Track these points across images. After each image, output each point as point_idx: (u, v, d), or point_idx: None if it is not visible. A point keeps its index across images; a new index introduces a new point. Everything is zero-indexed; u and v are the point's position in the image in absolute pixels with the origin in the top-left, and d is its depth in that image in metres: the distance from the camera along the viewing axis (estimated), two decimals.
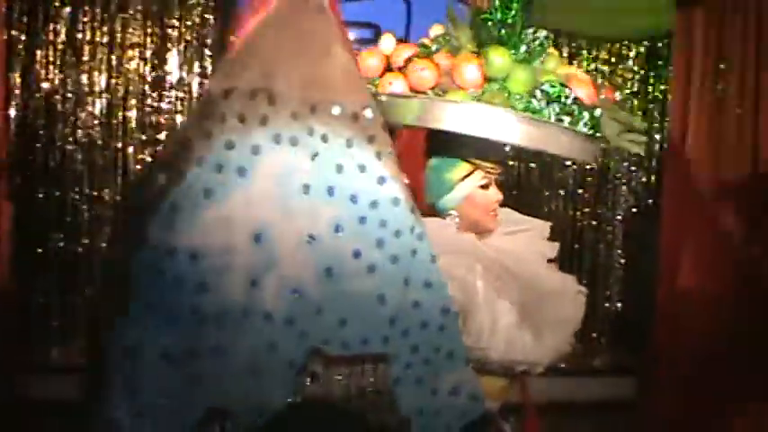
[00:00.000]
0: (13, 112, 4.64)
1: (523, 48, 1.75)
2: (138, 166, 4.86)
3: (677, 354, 4.47)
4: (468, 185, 1.88)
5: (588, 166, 5.21)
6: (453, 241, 1.83)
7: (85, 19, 4.77)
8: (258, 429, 1.52)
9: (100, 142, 4.82)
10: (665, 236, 4.74)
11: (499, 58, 1.70)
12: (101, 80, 4.81)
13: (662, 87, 5.22)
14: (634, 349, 5.01)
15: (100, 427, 1.50)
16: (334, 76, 1.55)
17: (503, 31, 1.74)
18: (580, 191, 5.29)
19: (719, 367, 4.08)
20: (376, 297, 1.58)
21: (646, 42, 5.19)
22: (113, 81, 4.83)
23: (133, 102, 4.86)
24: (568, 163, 5.18)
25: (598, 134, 1.77)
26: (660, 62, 5.23)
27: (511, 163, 4.91)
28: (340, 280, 1.55)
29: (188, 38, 4.90)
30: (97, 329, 1.58)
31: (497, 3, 1.72)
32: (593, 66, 4.93)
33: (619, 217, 5.35)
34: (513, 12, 1.73)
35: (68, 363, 4.67)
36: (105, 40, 4.81)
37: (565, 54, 4.82)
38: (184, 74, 4.92)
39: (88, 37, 4.78)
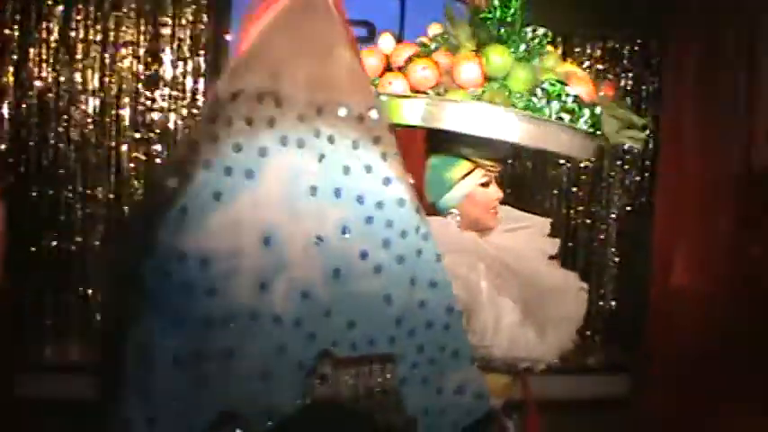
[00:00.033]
0: (5, 111, 4.65)
1: (522, 46, 1.75)
2: (132, 165, 4.85)
3: (671, 352, 4.48)
4: (468, 184, 1.89)
5: (582, 165, 5.21)
6: (456, 240, 1.83)
7: (79, 17, 4.75)
8: None
9: (93, 140, 4.81)
10: (659, 234, 4.75)
11: (499, 57, 1.70)
12: (94, 78, 4.80)
13: (655, 85, 5.22)
14: (628, 347, 5.02)
15: (115, 428, 1.50)
16: (339, 76, 1.55)
17: (502, 30, 1.74)
18: (574, 189, 5.30)
19: (713, 365, 4.09)
20: (383, 297, 1.58)
21: (639, 40, 5.20)
22: (106, 79, 4.82)
23: (126, 100, 4.85)
24: (562, 161, 5.19)
25: (598, 131, 1.78)
26: (653, 60, 5.24)
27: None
28: (347, 281, 1.55)
29: (181, 36, 4.89)
30: (110, 334, 1.58)
31: (496, 1, 1.72)
32: (587, 64, 4.94)
33: (613, 215, 5.36)
34: (513, 10, 1.73)
35: (62, 361, 4.66)
36: (98, 38, 4.80)
37: (558, 53, 4.82)
38: (178, 72, 4.91)
39: (81, 35, 4.77)
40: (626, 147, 5.15)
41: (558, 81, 1.73)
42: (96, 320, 4.85)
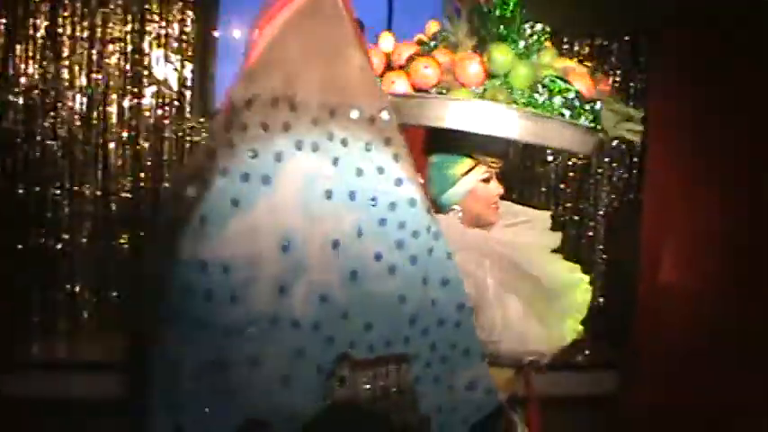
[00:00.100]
0: None
1: (522, 43, 1.76)
2: (119, 162, 4.85)
3: (658, 348, 4.48)
4: (470, 180, 1.89)
5: (570, 162, 5.22)
6: (461, 238, 1.84)
7: (65, 14, 4.75)
8: None
9: (80, 137, 4.81)
10: (646, 231, 4.76)
11: (501, 54, 1.70)
12: (81, 75, 4.80)
13: (642, 83, 5.23)
14: (616, 344, 5.03)
15: None
16: (351, 78, 1.55)
17: (501, 27, 1.74)
18: (562, 186, 5.31)
19: (700, 362, 4.09)
20: (397, 298, 1.58)
21: (627, 38, 5.21)
22: (94, 76, 4.81)
23: (113, 97, 4.85)
24: (550, 158, 5.20)
25: (598, 126, 1.78)
26: (642, 58, 5.25)
27: None
28: (363, 283, 1.55)
29: (168, 33, 4.89)
30: (136, 344, 1.59)
31: None
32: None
33: (600, 212, 5.37)
34: (511, 7, 1.74)
35: (49, 359, 4.65)
36: (85, 35, 4.79)
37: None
38: (165, 69, 4.91)
39: (68, 32, 4.76)
40: (614, 144, 5.19)
41: (559, 77, 1.74)
42: (83, 318, 4.85)
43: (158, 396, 1.46)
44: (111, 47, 4.83)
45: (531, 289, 1.84)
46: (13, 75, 4.69)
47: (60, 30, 4.74)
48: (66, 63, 4.77)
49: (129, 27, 4.85)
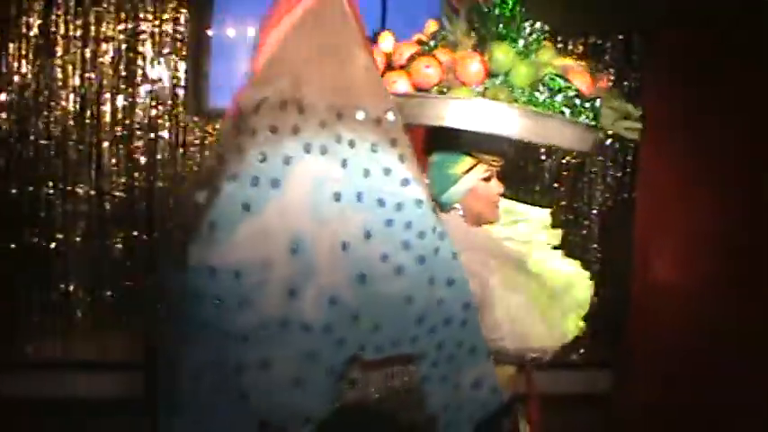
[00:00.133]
0: None
1: (521, 42, 1.76)
2: (113, 161, 4.83)
3: (653, 347, 4.49)
4: (471, 179, 1.89)
5: (564, 161, 5.23)
6: (465, 237, 1.84)
7: (59, 12, 4.73)
8: None
9: (74, 137, 4.80)
10: (640, 230, 4.76)
11: (503, 53, 1.71)
12: (75, 74, 4.78)
13: (636, 81, 5.23)
14: (610, 343, 5.03)
15: None
16: (357, 80, 1.55)
17: (501, 26, 1.74)
18: (555, 185, 5.31)
19: (695, 361, 4.10)
20: (404, 298, 1.59)
21: (621, 36, 5.22)
22: (87, 75, 4.80)
23: (107, 96, 4.83)
24: (543, 157, 5.21)
25: (597, 124, 1.79)
26: (635, 56, 5.25)
27: None
28: (372, 284, 1.56)
29: (162, 32, 4.87)
30: (153, 353, 1.59)
31: None
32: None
33: (594, 211, 5.37)
34: (511, 5, 1.74)
35: (43, 359, 4.65)
36: (79, 33, 4.77)
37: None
38: (158, 68, 4.89)
39: (61, 30, 4.74)
40: (607, 143, 5.19)
41: (559, 75, 1.74)
42: (77, 317, 4.84)
43: (172, 401, 1.48)
44: (104, 46, 4.81)
45: (534, 287, 1.84)
46: (5, 74, 4.67)
47: (53, 28, 4.72)
48: (60, 62, 4.75)
49: (122, 26, 4.82)
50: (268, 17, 1.56)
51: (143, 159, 4.92)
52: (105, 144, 4.84)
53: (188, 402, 1.48)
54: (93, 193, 4.85)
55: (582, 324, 1.94)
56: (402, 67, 1.79)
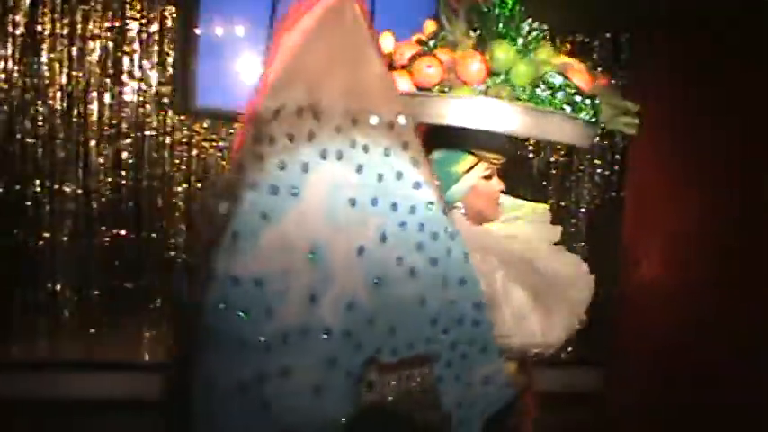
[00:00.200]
0: None
1: (520, 41, 1.77)
2: (100, 160, 4.83)
3: (642, 345, 4.51)
4: (472, 177, 1.90)
5: (552, 159, 5.23)
6: (467, 235, 1.84)
7: (45, 10, 4.71)
8: None
9: (61, 136, 4.79)
10: (628, 228, 4.77)
11: (503, 52, 1.71)
12: (61, 73, 4.76)
13: (624, 80, 5.23)
14: (599, 341, 5.04)
15: None
16: (370, 84, 1.55)
17: (500, 25, 1.75)
18: (544, 183, 5.32)
19: (684, 359, 4.12)
20: (418, 300, 1.60)
21: (608, 35, 5.23)
22: (74, 74, 4.78)
23: (94, 95, 4.82)
24: (531, 155, 5.22)
25: (596, 120, 1.80)
26: (623, 55, 5.26)
27: None
28: (387, 287, 1.56)
29: (149, 30, 4.86)
30: (177, 366, 1.59)
31: None
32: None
33: (582, 210, 5.38)
34: (510, 5, 1.75)
35: (30, 359, 4.63)
36: (66, 32, 4.76)
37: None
38: (146, 67, 4.89)
39: (48, 29, 4.73)
40: (596, 141, 5.19)
41: (559, 73, 1.75)
42: (65, 316, 4.83)
43: (198, 415, 1.48)
44: (91, 44, 4.80)
45: (537, 282, 1.85)
46: None
47: (40, 27, 4.70)
48: (46, 60, 4.73)
49: (109, 24, 4.81)
50: (279, 26, 1.56)
51: (130, 158, 4.90)
52: (92, 143, 4.83)
53: (207, 412, 1.48)
54: (80, 192, 4.84)
55: (584, 318, 1.95)
56: (403, 67, 1.79)
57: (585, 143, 1.83)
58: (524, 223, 2.04)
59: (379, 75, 1.56)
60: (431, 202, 1.60)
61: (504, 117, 1.69)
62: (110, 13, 4.81)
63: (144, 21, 4.86)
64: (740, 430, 3.74)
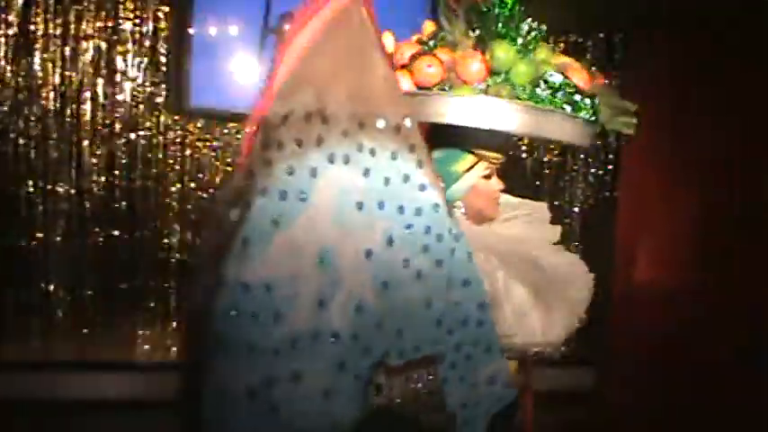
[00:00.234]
0: None
1: (519, 40, 1.77)
2: (93, 160, 4.82)
3: (634, 345, 4.52)
4: (472, 176, 1.91)
5: (545, 159, 5.24)
6: (468, 235, 1.85)
7: (38, 10, 4.70)
8: None
9: (54, 136, 4.77)
10: (622, 228, 4.78)
11: (504, 52, 1.72)
12: (54, 73, 4.75)
13: (617, 80, 5.24)
14: (592, 340, 5.05)
15: None
16: (377, 87, 1.56)
17: (500, 25, 1.76)
18: (537, 183, 5.33)
19: (676, 358, 4.13)
20: (423, 302, 1.60)
21: (602, 35, 5.24)
22: (67, 74, 4.77)
23: (87, 95, 4.81)
24: (524, 155, 5.22)
25: (596, 119, 1.81)
26: (616, 55, 5.27)
27: None
28: (394, 290, 1.56)
29: (142, 30, 4.86)
30: (188, 372, 1.59)
31: None
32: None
33: (576, 209, 5.39)
34: (510, 5, 1.75)
35: (22, 359, 4.63)
36: (59, 32, 4.75)
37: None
38: (139, 66, 4.88)
39: (41, 29, 4.71)
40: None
41: (559, 72, 1.76)
42: (58, 317, 4.82)
43: (209, 422, 1.48)
44: (84, 44, 4.79)
45: (538, 281, 1.86)
46: None
47: (33, 27, 4.69)
48: (39, 60, 4.72)
49: (102, 24, 4.80)
50: (286, 31, 1.56)
51: (124, 158, 4.90)
52: (86, 143, 4.82)
53: (218, 419, 1.48)
54: (73, 192, 4.82)
55: (584, 317, 1.96)
56: (404, 67, 1.80)
57: (585, 142, 1.84)
58: (524, 222, 2.05)
59: (385, 77, 1.56)
60: (436, 204, 1.60)
61: (504, 115, 1.70)
62: (103, 13, 4.80)
63: (137, 20, 4.85)
64: (737, 431, 3.75)
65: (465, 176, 1.90)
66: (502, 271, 1.80)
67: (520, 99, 1.71)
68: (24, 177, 4.74)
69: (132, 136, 4.90)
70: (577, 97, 1.75)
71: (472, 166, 1.90)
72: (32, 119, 4.73)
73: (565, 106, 1.73)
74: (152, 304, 4.97)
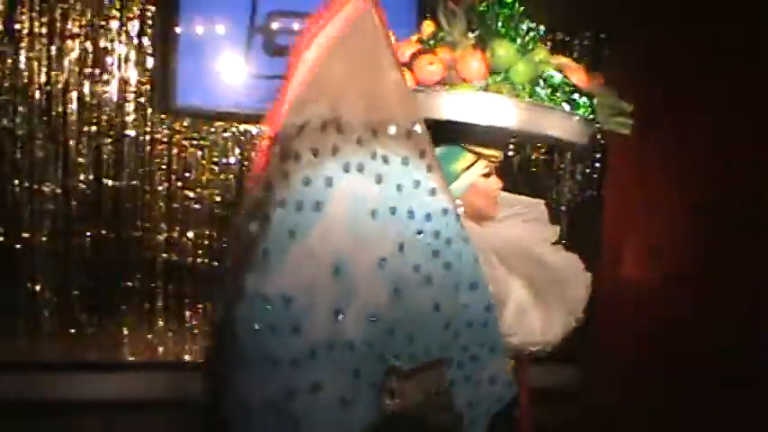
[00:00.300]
0: None
1: (518, 40, 1.79)
2: (80, 159, 4.79)
3: (620, 343, 4.54)
4: (471, 175, 1.93)
5: (532, 157, 5.25)
6: (470, 235, 1.86)
7: (23, 9, 4.67)
8: None
9: (40, 134, 4.74)
10: (608, 227, 4.80)
11: (504, 50, 1.74)
12: (40, 71, 4.72)
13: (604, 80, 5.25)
14: (577, 338, 5.06)
15: None
16: (389, 93, 1.57)
17: (500, 25, 1.77)
18: (524, 181, 5.34)
19: (661, 357, 4.15)
20: (432, 306, 1.61)
21: (588, 34, 5.25)
22: (53, 72, 4.74)
23: (73, 93, 4.78)
24: (511, 153, 5.23)
25: (595, 117, 1.83)
26: (602, 54, 5.28)
27: None
28: (406, 296, 1.57)
29: (129, 29, 4.84)
30: (211, 386, 1.61)
31: None
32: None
33: (562, 208, 5.41)
34: (510, 4, 1.77)
35: (8, 360, 4.61)
36: (44, 30, 4.72)
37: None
38: (125, 65, 4.86)
39: (26, 27, 4.69)
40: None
41: (558, 72, 1.78)
42: (45, 317, 4.80)
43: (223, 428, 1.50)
44: (70, 42, 4.76)
45: (537, 280, 1.87)
46: None
47: (18, 26, 4.66)
48: (25, 59, 4.69)
49: (88, 23, 4.78)
50: (299, 41, 1.56)
51: (110, 157, 4.88)
52: (72, 142, 4.79)
53: (238, 430, 1.50)
54: (59, 191, 4.80)
55: (581, 316, 1.97)
56: (405, 65, 1.81)
57: (584, 140, 1.87)
58: (522, 220, 2.08)
59: (396, 81, 1.57)
60: (445, 209, 1.62)
61: (505, 112, 1.72)
62: (89, 12, 4.77)
63: (123, 19, 4.83)
64: (721, 429, 3.77)
65: (464, 175, 1.92)
66: (502, 270, 1.81)
67: (520, 97, 1.73)
68: (10, 177, 4.71)
69: (119, 135, 4.87)
70: (576, 96, 1.78)
71: (471, 165, 1.92)
72: (18, 118, 4.70)
73: (564, 105, 1.76)
74: (139, 304, 4.95)
